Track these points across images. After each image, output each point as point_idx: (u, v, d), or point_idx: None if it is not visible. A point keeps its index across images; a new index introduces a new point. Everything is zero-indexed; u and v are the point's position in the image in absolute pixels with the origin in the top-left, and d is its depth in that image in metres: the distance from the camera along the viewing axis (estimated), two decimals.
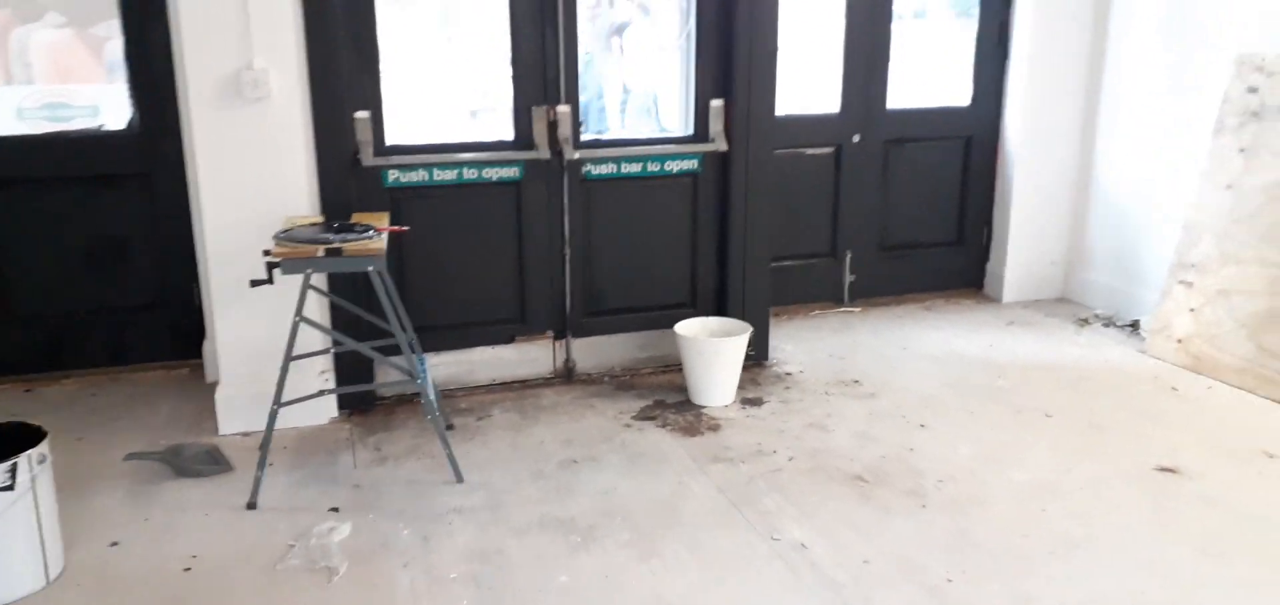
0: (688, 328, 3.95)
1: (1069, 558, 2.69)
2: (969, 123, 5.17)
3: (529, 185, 3.91)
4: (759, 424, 3.65)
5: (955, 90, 5.15)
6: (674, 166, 4.06)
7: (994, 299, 5.22)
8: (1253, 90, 4.07)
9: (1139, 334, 4.56)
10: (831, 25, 4.81)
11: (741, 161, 4.05)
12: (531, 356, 4.09)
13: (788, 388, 4.00)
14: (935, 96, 5.18)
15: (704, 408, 3.80)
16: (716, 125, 4.03)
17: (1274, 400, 3.73)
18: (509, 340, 4.05)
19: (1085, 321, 4.80)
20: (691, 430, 3.60)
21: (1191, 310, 4.19)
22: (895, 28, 4.90)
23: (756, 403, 3.84)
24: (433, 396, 3.29)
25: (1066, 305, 5.09)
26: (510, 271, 3.98)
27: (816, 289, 5.09)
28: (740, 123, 4.01)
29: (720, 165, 4.08)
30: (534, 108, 3.86)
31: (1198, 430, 3.51)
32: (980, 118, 5.17)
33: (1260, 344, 3.88)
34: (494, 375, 4.06)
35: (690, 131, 4.10)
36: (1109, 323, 4.76)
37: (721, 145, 4.02)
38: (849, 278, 5.10)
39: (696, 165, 4.07)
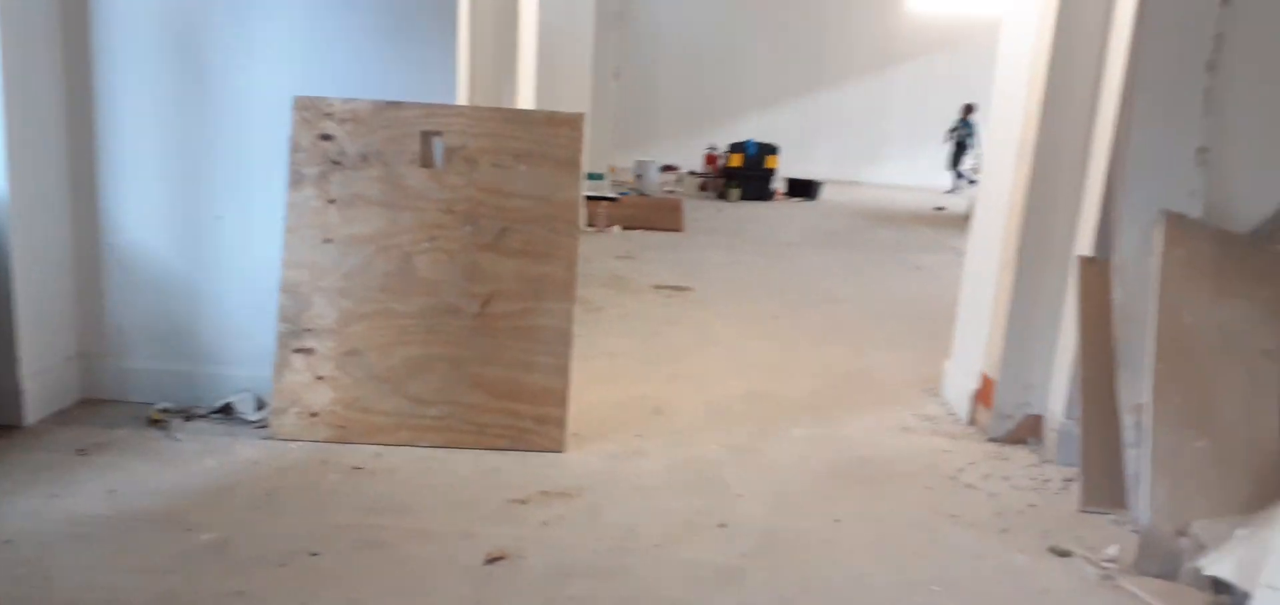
0: None
1: None
2: None
3: None
4: None
5: None
6: None
7: (14, 426, 3.69)
8: (327, 137, 3.88)
9: (241, 417, 3.92)
10: None
11: None
12: None
13: None
14: None
15: None
16: None
17: (446, 446, 3.74)
18: None
19: (160, 422, 3.84)
20: None
21: (320, 378, 3.82)
22: None
23: None
24: None
25: (110, 407, 3.96)
26: None
27: None
28: None
29: None
30: None
31: (439, 514, 3.27)
32: None
33: (408, 395, 3.82)
34: None
35: None
36: (190, 417, 3.93)
37: None
38: None
39: None
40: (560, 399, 3.86)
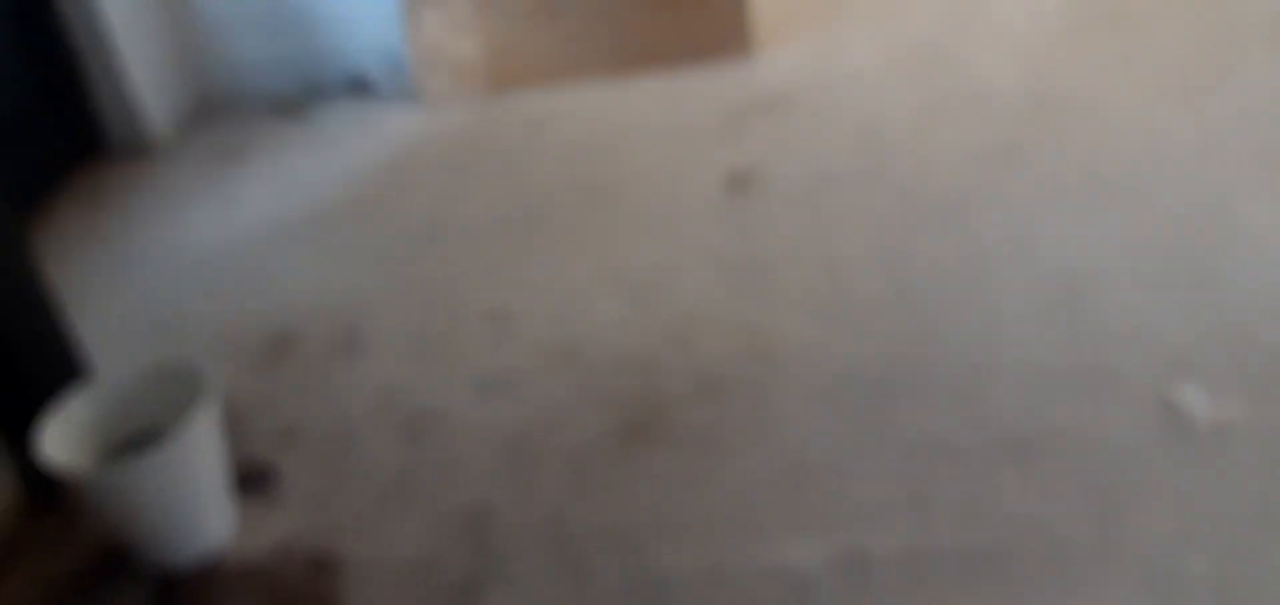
0: (64, 440, 1.75)
1: None
2: None
3: None
4: None
5: None
6: None
7: (141, 144, 3.52)
8: None
9: (377, 89, 3.71)
10: None
11: None
12: None
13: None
14: None
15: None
16: None
17: (618, 75, 3.50)
18: None
19: (293, 109, 3.67)
20: None
21: (460, 28, 3.57)
22: None
23: None
24: None
25: (229, 105, 3.74)
26: None
27: None
28: None
29: None
30: None
31: (649, 149, 3.11)
32: None
33: (560, 28, 3.53)
34: None
35: None
36: (321, 98, 3.73)
37: None
38: None
39: None
40: None
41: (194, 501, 1.79)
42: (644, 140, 3.16)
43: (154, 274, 2.79)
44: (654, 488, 1.86)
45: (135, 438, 1.84)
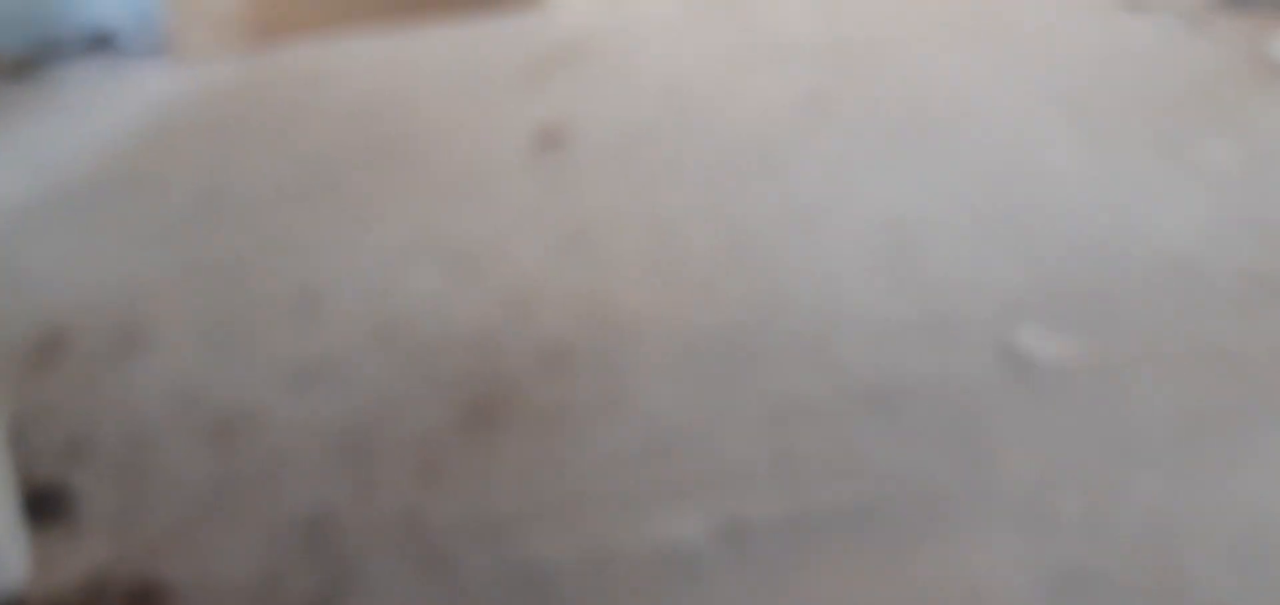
0: None
1: None
2: None
3: None
4: None
5: None
6: None
7: None
8: None
9: (123, 46, 3.34)
10: None
11: None
12: None
13: None
14: None
15: None
16: None
17: (398, 24, 3.35)
18: None
19: (19, 70, 3.23)
20: None
21: None
22: None
23: None
24: None
25: None
26: None
27: None
28: None
29: None
30: None
31: (446, 103, 3.00)
32: None
33: None
34: None
35: None
36: (54, 58, 3.31)
37: None
38: None
39: None
40: None
41: None
42: (438, 94, 3.03)
43: None
44: (512, 472, 1.80)
45: None
